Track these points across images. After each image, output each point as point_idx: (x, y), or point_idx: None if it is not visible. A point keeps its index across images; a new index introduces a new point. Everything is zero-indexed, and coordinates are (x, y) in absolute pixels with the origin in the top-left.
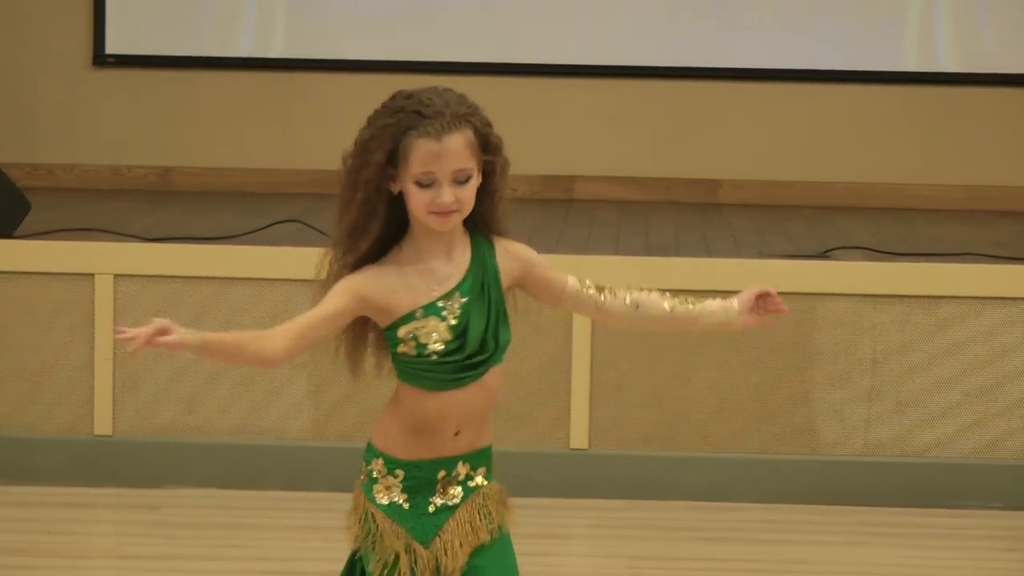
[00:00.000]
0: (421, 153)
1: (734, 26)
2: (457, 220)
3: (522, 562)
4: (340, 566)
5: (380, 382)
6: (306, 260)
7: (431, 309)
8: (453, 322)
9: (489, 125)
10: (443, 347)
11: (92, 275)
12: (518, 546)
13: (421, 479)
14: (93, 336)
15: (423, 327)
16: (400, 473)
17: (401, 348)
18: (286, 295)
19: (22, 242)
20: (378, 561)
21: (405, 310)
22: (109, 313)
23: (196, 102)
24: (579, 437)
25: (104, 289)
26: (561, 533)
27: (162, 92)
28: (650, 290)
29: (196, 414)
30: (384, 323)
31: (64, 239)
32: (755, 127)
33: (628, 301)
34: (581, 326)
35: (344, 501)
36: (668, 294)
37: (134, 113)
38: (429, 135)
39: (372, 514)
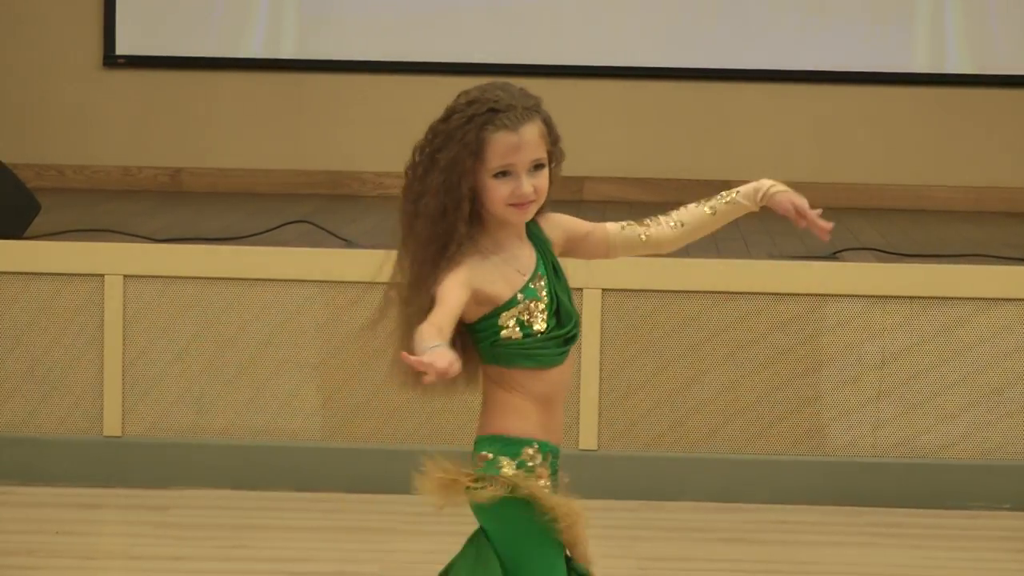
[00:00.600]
0: (500, 146)
1: (744, 27)
2: (534, 210)
3: None
4: (350, 566)
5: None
6: (316, 261)
7: (529, 292)
8: (547, 300)
9: (550, 116)
10: (546, 325)
11: (102, 276)
12: None
13: (556, 465)
14: (103, 337)
15: (526, 310)
16: (550, 456)
17: (505, 334)
18: (295, 296)
19: (32, 243)
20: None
21: (507, 296)
22: (119, 314)
23: (207, 103)
24: (588, 438)
25: (114, 290)
26: None
27: (172, 93)
28: (684, 206)
29: (205, 415)
30: (481, 314)
31: (74, 240)
32: (765, 128)
33: (673, 224)
34: (591, 325)
35: (353, 501)
36: (703, 200)
37: (144, 114)
38: (507, 127)
39: (541, 496)
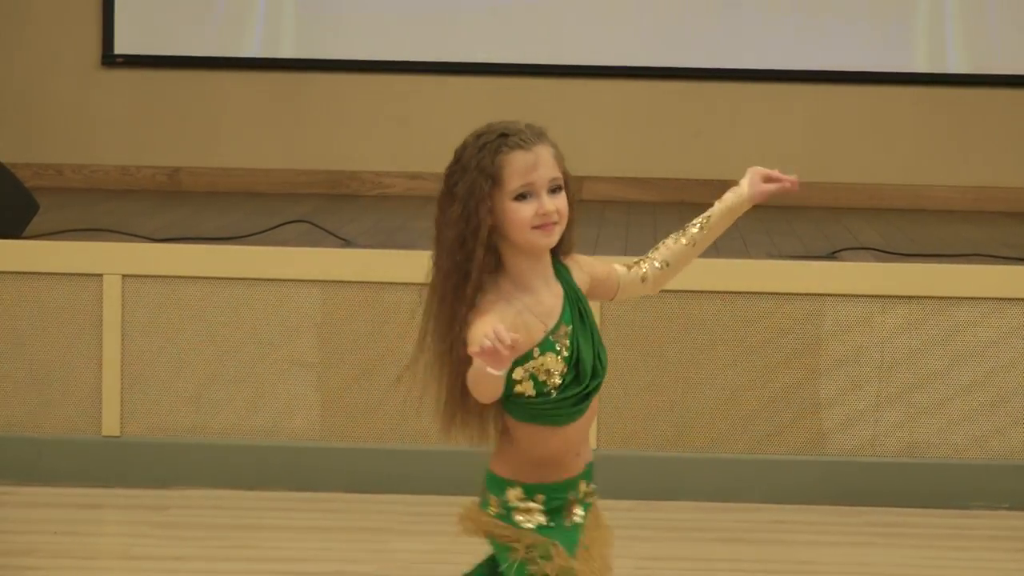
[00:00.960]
0: (518, 166)
1: (743, 27)
2: (559, 233)
3: None
4: (348, 566)
5: (392, 383)
6: (314, 260)
7: (546, 345)
8: (566, 354)
9: (557, 145)
10: (560, 381)
11: (100, 275)
12: None
13: (559, 500)
14: (101, 336)
15: (541, 365)
16: (540, 497)
17: (518, 389)
18: (294, 295)
19: (30, 242)
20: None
21: (524, 349)
22: (117, 313)
23: (205, 102)
24: None
25: (112, 289)
26: None
27: (171, 92)
28: (662, 243)
29: (204, 415)
30: None
31: (72, 239)
32: (764, 128)
33: (659, 266)
34: None
35: (352, 501)
36: (677, 233)
37: (143, 113)
38: (521, 147)
39: (524, 538)
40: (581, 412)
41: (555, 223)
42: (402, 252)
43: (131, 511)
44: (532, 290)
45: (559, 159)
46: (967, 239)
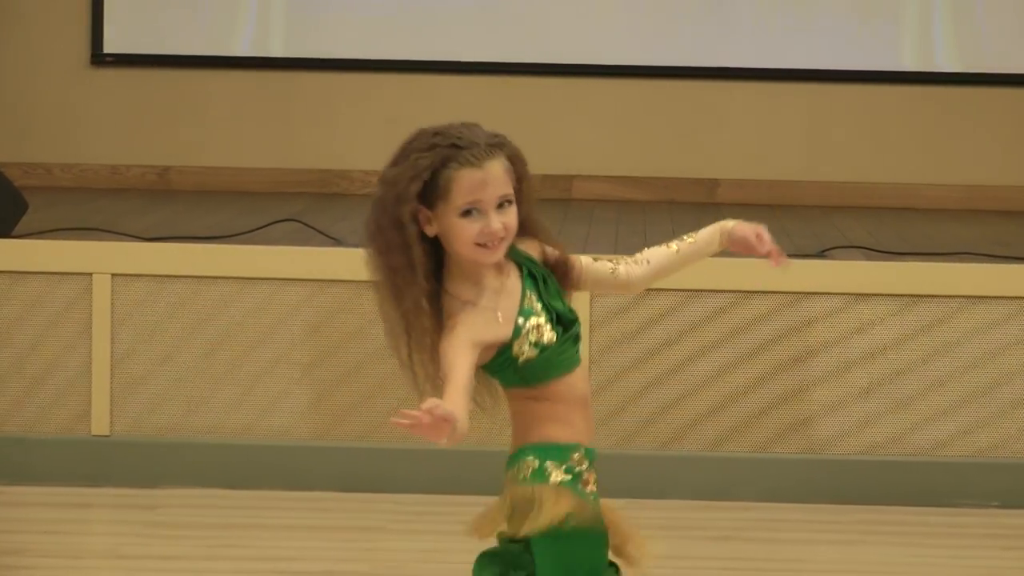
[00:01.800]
0: (465, 182)
1: (733, 26)
2: (503, 250)
3: None
4: (339, 565)
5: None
6: (304, 259)
7: (525, 313)
8: (543, 313)
9: (519, 152)
10: (555, 334)
11: (90, 274)
12: None
13: (580, 465)
14: (91, 336)
15: (533, 329)
16: (587, 462)
17: (524, 359)
18: (284, 294)
19: (19, 242)
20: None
21: (510, 330)
22: (107, 312)
23: (195, 101)
24: None
25: (102, 288)
26: None
27: (160, 91)
28: (647, 247)
29: (194, 414)
30: (492, 355)
31: (62, 239)
32: (753, 127)
33: (638, 262)
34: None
35: (342, 500)
36: (665, 244)
37: (132, 112)
38: (471, 164)
39: (585, 506)
40: (578, 353)
41: (501, 239)
42: None
43: (120, 510)
44: (488, 284)
45: (510, 172)
46: (957, 238)
